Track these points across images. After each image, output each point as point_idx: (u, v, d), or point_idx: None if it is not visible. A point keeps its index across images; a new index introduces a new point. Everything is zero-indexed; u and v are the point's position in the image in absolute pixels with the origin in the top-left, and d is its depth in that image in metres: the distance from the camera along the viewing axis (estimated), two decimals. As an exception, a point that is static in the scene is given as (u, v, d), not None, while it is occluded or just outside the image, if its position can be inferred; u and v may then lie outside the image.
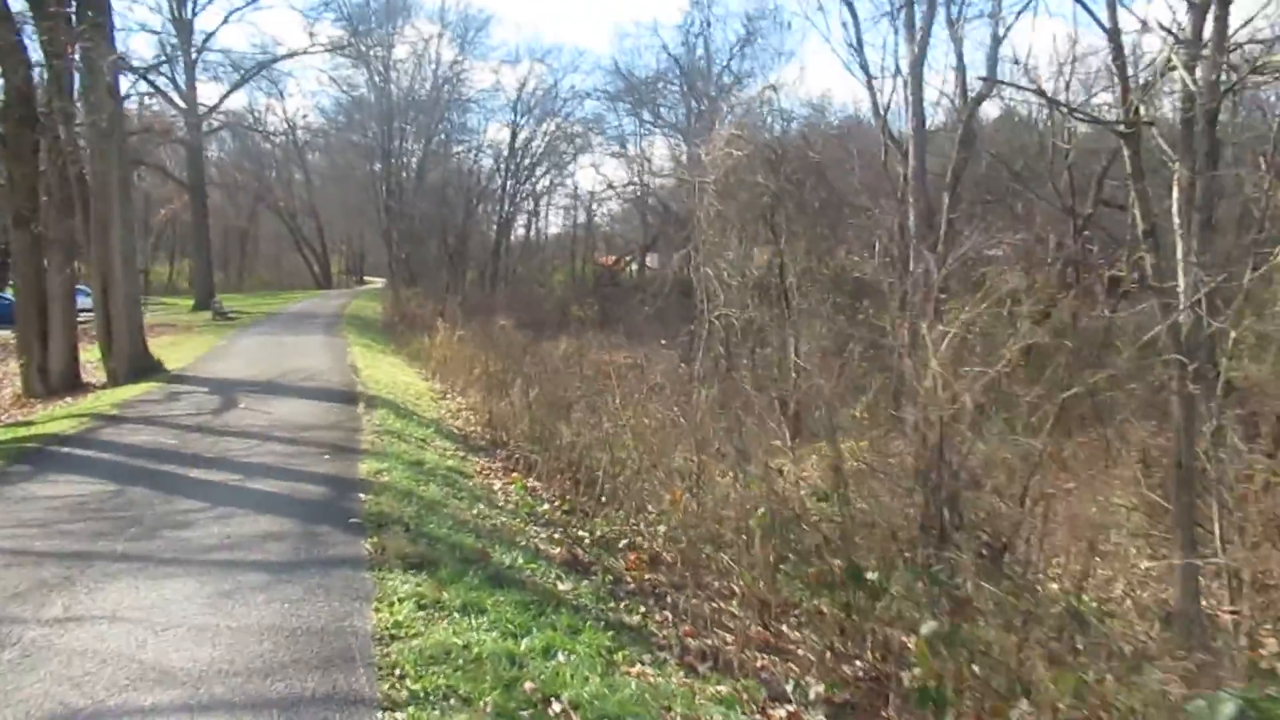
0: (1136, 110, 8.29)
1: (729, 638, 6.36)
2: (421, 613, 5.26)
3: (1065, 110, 14.15)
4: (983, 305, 9.91)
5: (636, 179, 57.95)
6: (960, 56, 20.53)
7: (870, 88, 24.75)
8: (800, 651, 6.60)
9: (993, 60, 21.98)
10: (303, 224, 75.55)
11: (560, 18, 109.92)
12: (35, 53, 18.39)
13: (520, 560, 6.93)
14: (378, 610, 5.26)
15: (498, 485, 10.67)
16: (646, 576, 7.52)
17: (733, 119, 21.38)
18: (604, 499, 9.55)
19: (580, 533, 8.51)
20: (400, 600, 5.40)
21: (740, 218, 17.76)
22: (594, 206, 69.41)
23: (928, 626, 4.34)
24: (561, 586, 6.62)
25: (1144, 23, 8.25)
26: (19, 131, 17.98)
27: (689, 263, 22.02)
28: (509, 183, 61.56)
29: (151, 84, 43.50)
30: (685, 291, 41.90)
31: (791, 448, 17.52)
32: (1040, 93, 12.67)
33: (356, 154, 64.23)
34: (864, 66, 24.95)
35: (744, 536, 8.27)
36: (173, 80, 44.77)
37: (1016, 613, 4.66)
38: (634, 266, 60.53)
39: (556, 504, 10.00)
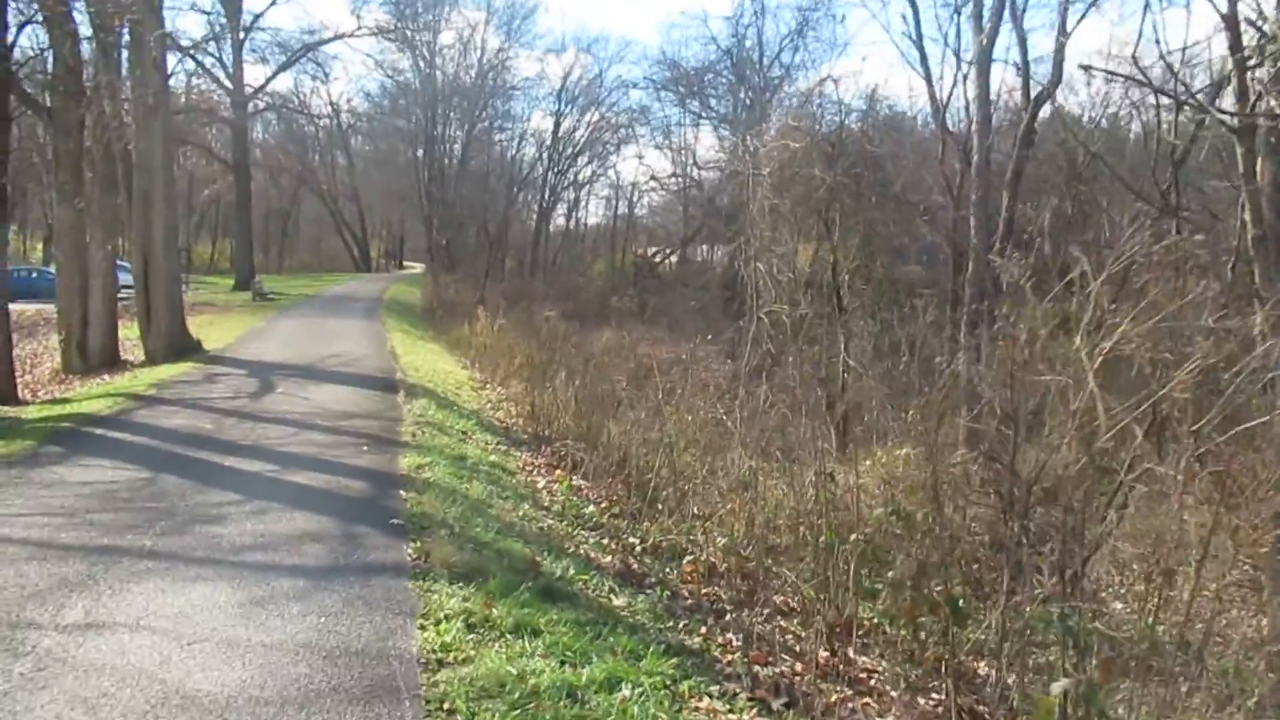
0: (1254, 104, 7.60)
1: (798, 665, 5.84)
2: (471, 634, 4.77)
3: (1181, 101, 13.22)
4: (1143, 316, 9.35)
5: (680, 171, 57.16)
6: (1024, 50, 19.43)
7: (929, 81, 24.11)
8: (873, 682, 6.08)
9: (1059, 56, 21.13)
10: (344, 208, 75.63)
11: (607, 7, 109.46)
12: (84, 27, 18.23)
13: (572, 571, 6.45)
14: (423, 629, 4.78)
15: (542, 483, 10.22)
16: (704, 591, 7.00)
17: (787, 110, 20.73)
18: (656, 503, 9.03)
19: (631, 539, 8.00)
20: (447, 618, 4.92)
21: (794, 212, 17.15)
22: (635, 198, 68.96)
23: (1060, 685, 3.77)
24: (617, 602, 6.13)
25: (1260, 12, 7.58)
26: (65, 105, 17.78)
27: (738, 256, 21.35)
28: (551, 172, 61.16)
29: (198, 63, 43.65)
30: (728, 286, 41.44)
31: (841, 453, 16.94)
32: (1147, 82, 11.88)
33: (399, 139, 64.15)
34: (923, 59, 24.30)
35: (807, 549, 7.76)
36: (219, 60, 44.89)
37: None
38: (673, 259, 59.92)
39: (604, 506, 9.51)
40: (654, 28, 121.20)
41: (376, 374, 16.33)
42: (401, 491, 7.82)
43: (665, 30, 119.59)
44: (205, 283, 45.41)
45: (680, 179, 57.10)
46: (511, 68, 61.48)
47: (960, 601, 5.51)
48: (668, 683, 4.77)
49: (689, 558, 7.59)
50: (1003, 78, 52.50)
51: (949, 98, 23.67)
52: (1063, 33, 20.69)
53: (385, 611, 4.98)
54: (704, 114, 51.06)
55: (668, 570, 7.37)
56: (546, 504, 9.10)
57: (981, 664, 6.25)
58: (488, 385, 17.89)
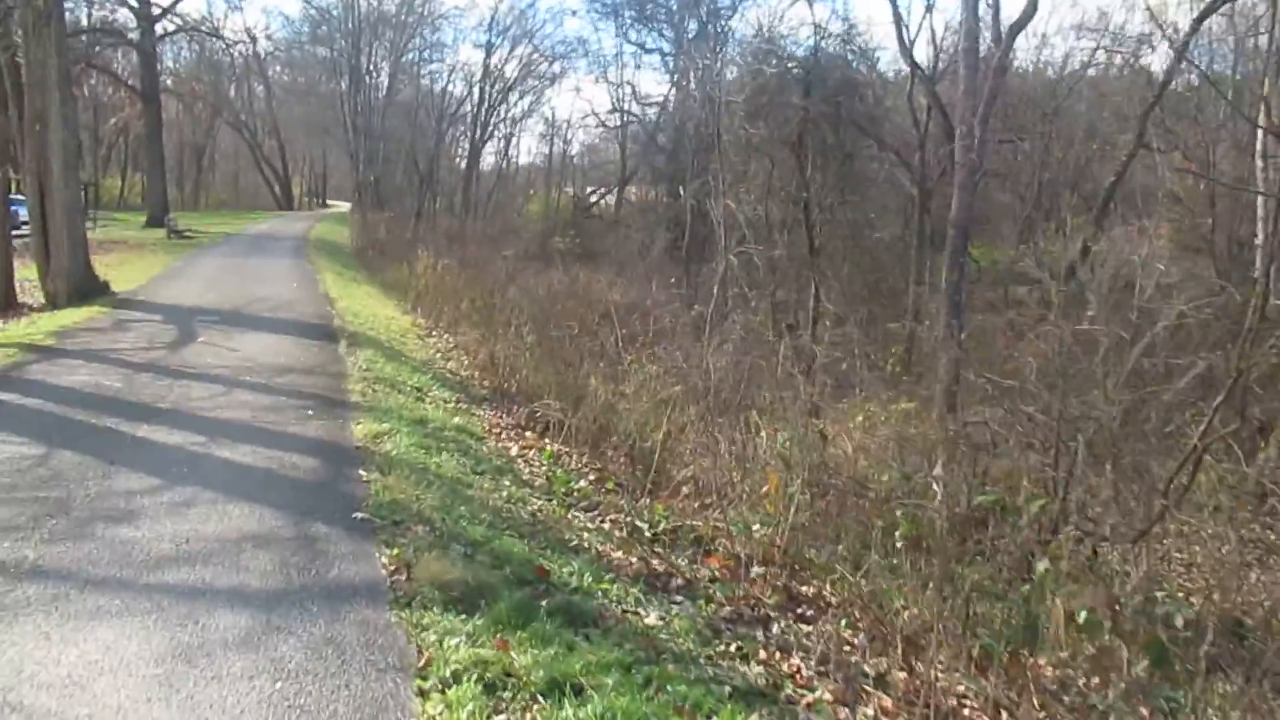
0: None
1: (884, 700, 4.63)
2: (492, 699, 3.41)
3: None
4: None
5: (619, 106, 55.06)
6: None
7: (895, 7, 22.75)
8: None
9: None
10: (263, 142, 71.97)
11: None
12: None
13: (588, 577, 5.12)
14: (425, 696, 3.40)
15: (514, 449, 8.86)
16: (740, 594, 5.75)
17: (760, 34, 19.21)
18: (658, 475, 7.73)
19: (638, 523, 6.70)
20: (455, 675, 3.53)
21: (768, 143, 15.78)
22: (570, 135, 66.66)
23: None
24: (650, 619, 4.83)
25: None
26: (-60, 11, 15.50)
27: (701, 193, 19.95)
28: (482, 108, 58.46)
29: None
30: (673, 226, 39.99)
31: (815, 404, 15.87)
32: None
33: (321, 69, 60.75)
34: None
35: (845, 531, 6.57)
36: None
37: None
38: (609, 199, 58.01)
39: (592, 477, 8.20)
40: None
41: (312, 320, 14.66)
42: (361, 471, 6.37)
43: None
44: (115, 219, 42.30)
45: (620, 114, 54.96)
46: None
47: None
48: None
49: (714, 547, 6.34)
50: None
51: (917, 32, 22.33)
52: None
53: (366, 667, 3.58)
54: (646, 45, 48.91)
55: (690, 563, 6.10)
56: (528, 478, 7.73)
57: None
58: (434, 332, 16.33)
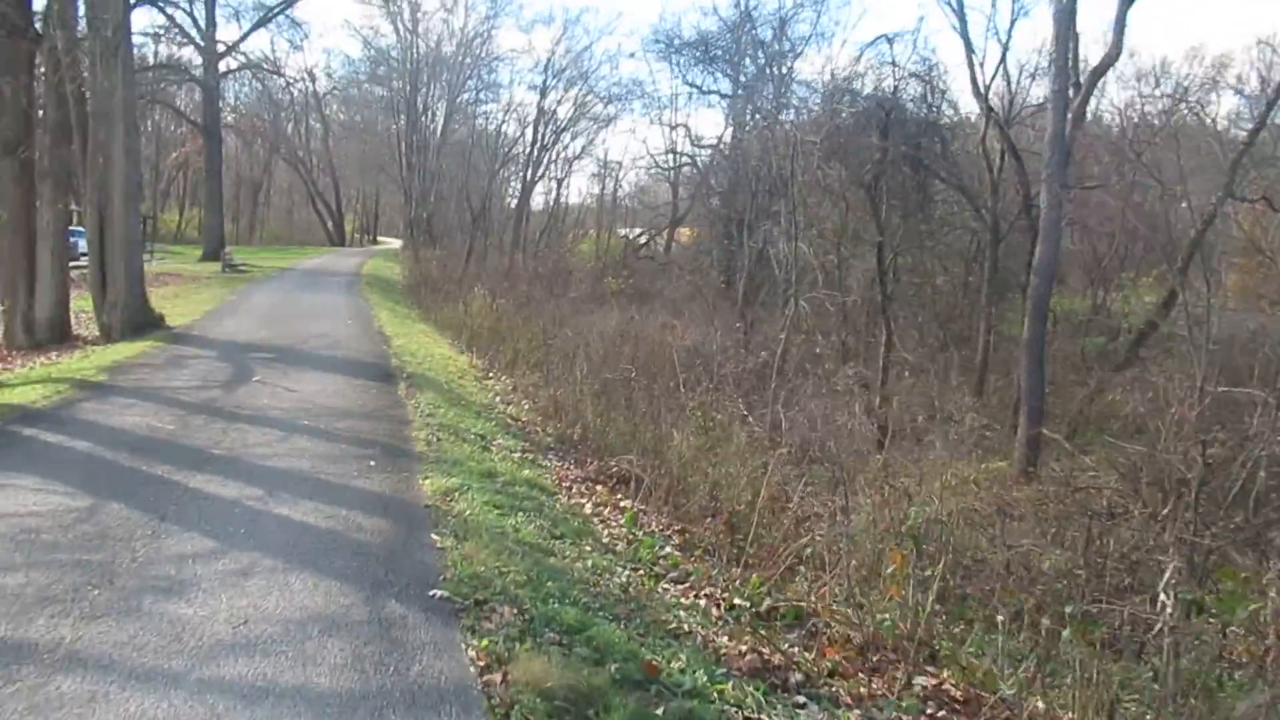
0: None
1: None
2: None
3: None
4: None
5: (673, 148, 54.80)
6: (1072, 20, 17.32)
7: (969, 50, 22.06)
8: None
9: (1120, 23, 19.16)
10: (317, 178, 72.92)
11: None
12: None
13: (700, 674, 4.40)
14: None
15: (588, 506, 8.21)
16: (867, 690, 5.00)
17: (838, 73, 18.54)
18: (753, 541, 7.00)
19: (739, 600, 5.98)
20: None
21: (843, 185, 15.13)
22: (622, 175, 66.63)
23: None
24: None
25: None
26: (11, 42, 15.37)
27: (769, 235, 19.30)
28: (535, 147, 58.56)
29: (167, 16, 40.86)
30: (726, 270, 39.38)
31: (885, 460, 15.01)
32: None
33: (378, 108, 61.50)
34: (963, 27, 22.23)
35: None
36: (190, 15, 42.03)
37: None
38: (659, 240, 57.58)
39: (677, 541, 7.50)
40: (646, 3, 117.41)
41: (368, 359, 14.18)
42: (434, 535, 5.73)
43: (659, 3, 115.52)
44: (172, 252, 42.77)
45: (673, 155, 54.71)
46: (496, 38, 59.06)
47: None
48: None
49: (827, 630, 5.60)
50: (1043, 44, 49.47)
51: (993, 75, 21.66)
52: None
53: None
54: (704, 87, 48.62)
55: (803, 649, 5.37)
56: (608, 539, 7.07)
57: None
58: (491, 374, 15.79)
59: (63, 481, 6.42)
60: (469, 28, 55.95)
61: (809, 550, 6.42)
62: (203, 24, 41.87)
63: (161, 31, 41.95)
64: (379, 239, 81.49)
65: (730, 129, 47.58)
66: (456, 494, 6.78)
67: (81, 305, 17.79)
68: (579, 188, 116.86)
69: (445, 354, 16.71)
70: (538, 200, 65.22)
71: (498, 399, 13.33)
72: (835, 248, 15.58)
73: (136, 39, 33.89)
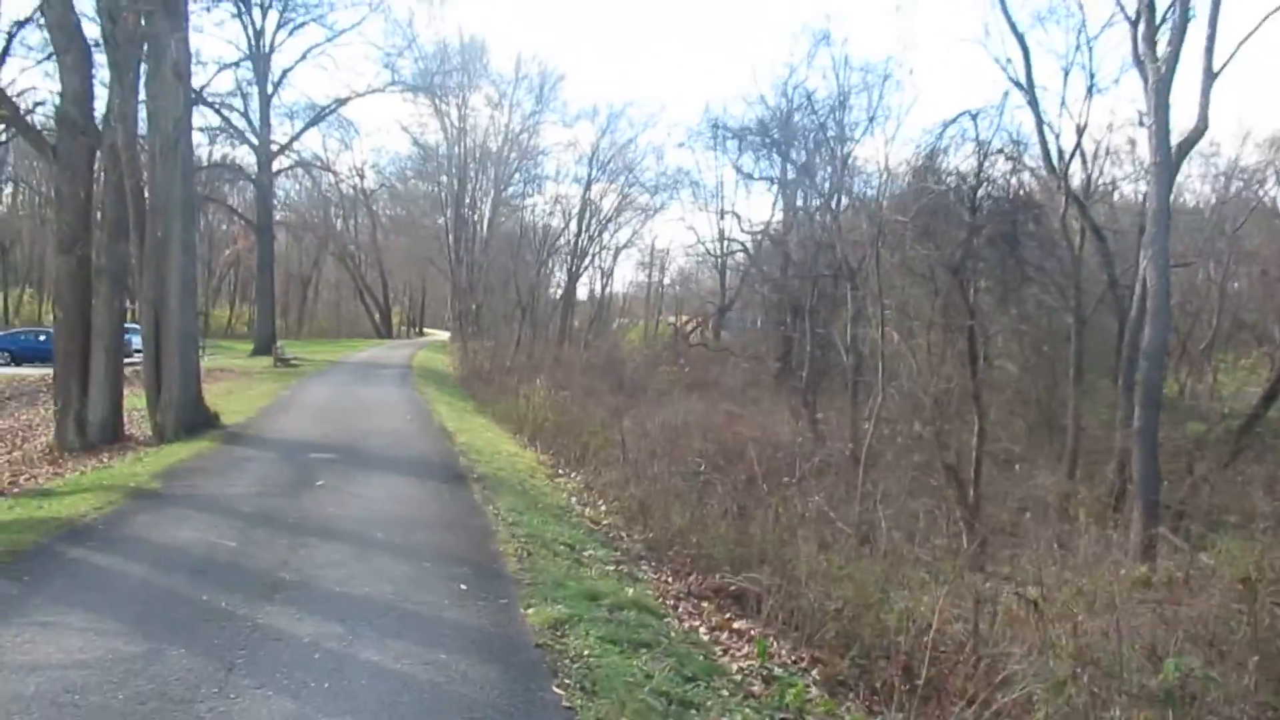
0: None
1: None
2: None
3: None
4: None
5: (722, 234, 54.47)
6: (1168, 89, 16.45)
7: (1041, 130, 21.26)
8: None
9: (1204, 97, 18.28)
10: (365, 272, 73.70)
11: (639, 77, 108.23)
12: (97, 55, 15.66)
13: None
14: None
15: (703, 630, 7.15)
16: None
17: (919, 151, 17.79)
18: (915, 679, 5.89)
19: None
20: None
21: (930, 268, 14.20)
22: (668, 263, 66.50)
23: None
24: None
25: None
26: (72, 140, 15.13)
27: (848, 320, 18.35)
28: (581, 238, 58.63)
29: (225, 119, 41.54)
30: (783, 356, 38.43)
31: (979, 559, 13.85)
32: None
33: (425, 203, 62.23)
34: (1034, 105, 21.50)
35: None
36: (245, 116, 42.75)
37: None
38: (707, 329, 56.92)
39: (815, 674, 6.40)
40: (689, 96, 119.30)
41: (434, 458, 13.33)
42: (556, 688, 4.72)
43: (702, 96, 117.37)
44: (222, 347, 42.77)
45: (720, 243, 54.34)
46: (540, 132, 59.67)
47: None
48: None
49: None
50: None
51: (1073, 152, 20.79)
52: (1209, 71, 17.93)
53: None
54: (755, 174, 48.37)
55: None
56: (739, 677, 5.99)
57: None
58: (560, 469, 14.86)
59: (114, 618, 5.52)
60: (514, 124, 56.59)
61: (1004, 697, 5.29)
62: (257, 124, 42.52)
63: (217, 132, 42.58)
64: (425, 331, 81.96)
65: (781, 213, 47.23)
66: (566, 627, 5.78)
67: (134, 403, 17.23)
68: (623, 276, 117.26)
69: (511, 450, 15.82)
70: (582, 290, 65.11)
71: (573, 499, 12.34)
72: (925, 332, 14.64)
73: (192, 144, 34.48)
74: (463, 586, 6.56)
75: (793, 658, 6.78)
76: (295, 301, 72.00)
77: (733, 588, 8.22)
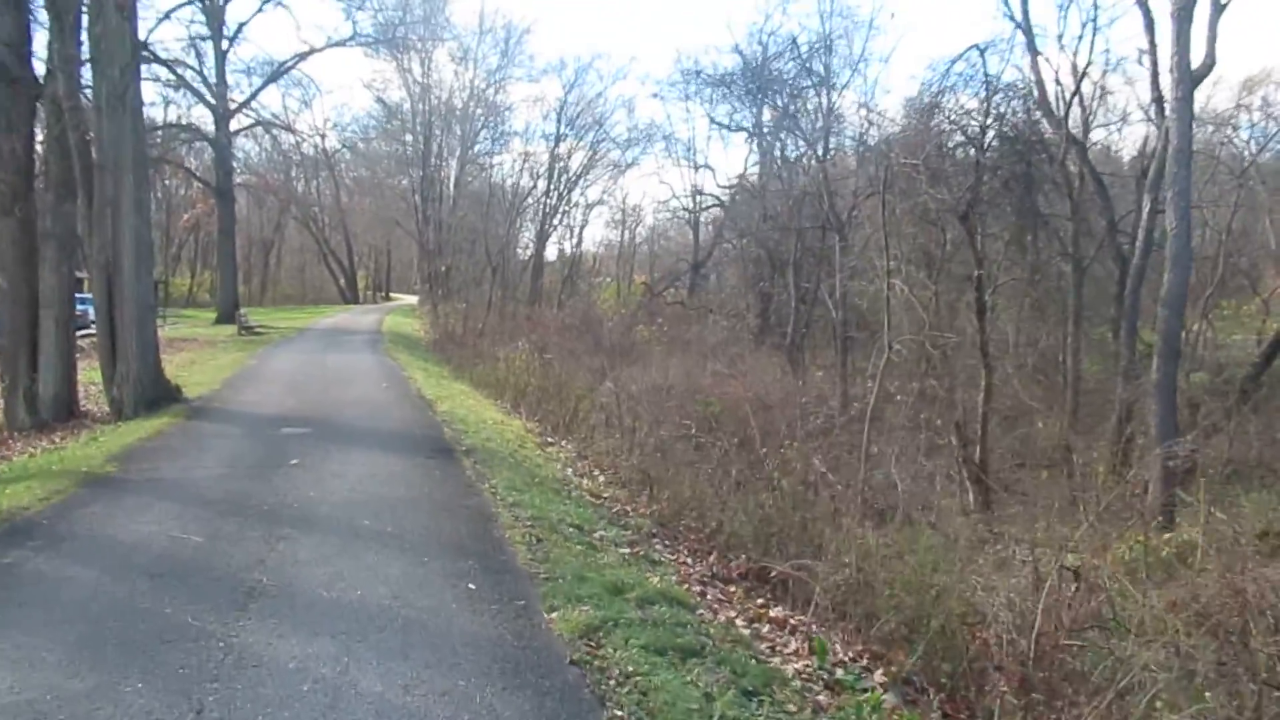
0: None
1: None
2: None
3: None
4: None
5: (697, 189, 53.30)
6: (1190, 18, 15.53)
7: (1036, 70, 20.35)
8: None
9: (1212, 31, 17.46)
10: (329, 236, 71.88)
11: (607, 30, 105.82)
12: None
13: None
14: None
15: (740, 621, 6.34)
16: None
17: (925, 89, 16.73)
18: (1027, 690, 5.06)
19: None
20: None
21: (939, 216, 13.32)
22: (639, 221, 65.27)
23: None
24: None
25: None
26: (8, 90, 13.82)
27: (820, 275, 17.45)
28: (552, 195, 57.20)
29: (178, 76, 39.70)
30: (763, 313, 37.53)
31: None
32: None
33: (390, 163, 60.47)
34: (1030, 45, 20.56)
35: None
36: (200, 74, 40.85)
37: None
38: (682, 286, 55.91)
39: (880, 675, 5.59)
40: (653, 49, 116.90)
41: (417, 430, 12.36)
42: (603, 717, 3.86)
43: (677, 42, 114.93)
44: (184, 316, 41.26)
45: (694, 198, 53.20)
46: (507, 89, 58.05)
47: None
48: None
49: None
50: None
51: (1073, 94, 19.95)
52: (1217, 3, 17.08)
53: None
54: (732, 125, 47.20)
55: None
56: (798, 683, 5.16)
57: None
58: (549, 438, 13.98)
59: (56, 641, 4.57)
60: (479, 80, 54.90)
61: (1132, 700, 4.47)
62: (213, 82, 40.64)
63: (172, 88, 40.75)
64: (392, 295, 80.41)
65: (757, 166, 46.18)
66: (601, 634, 4.90)
67: (90, 377, 16.09)
68: (592, 236, 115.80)
69: (495, 418, 14.87)
70: (551, 250, 63.86)
71: (568, 470, 11.47)
72: (934, 281, 13.79)
73: (144, 101, 32.73)
74: (471, 585, 5.65)
75: (849, 654, 5.96)
76: (258, 267, 70.07)
77: (752, 567, 7.41)
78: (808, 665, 5.57)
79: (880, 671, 5.65)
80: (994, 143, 14.45)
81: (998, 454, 16.88)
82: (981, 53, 15.13)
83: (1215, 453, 15.27)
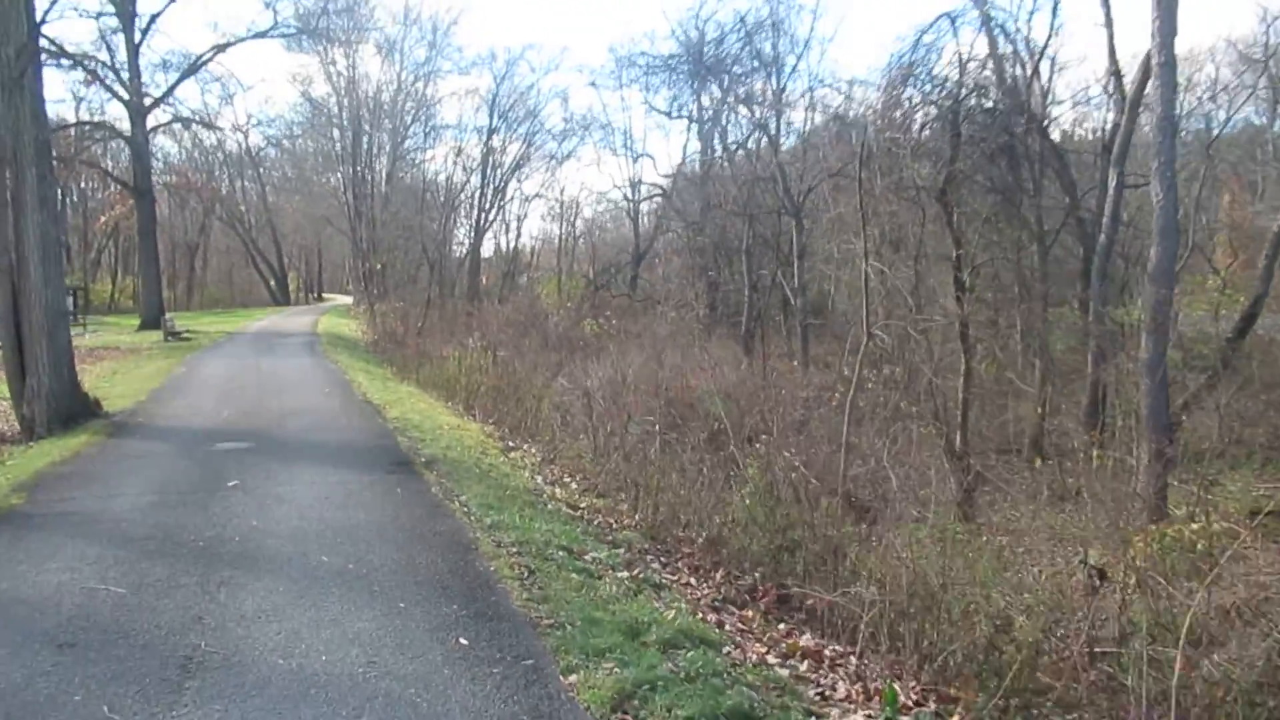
0: None
1: None
2: None
3: None
4: None
5: (638, 179, 52.37)
6: None
7: (993, 46, 19.76)
8: None
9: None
10: (257, 237, 69.41)
11: (538, 20, 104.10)
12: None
13: None
14: None
15: (771, 657, 5.43)
16: None
17: (897, 61, 15.99)
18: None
19: None
20: None
21: (918, 195, 12.56)
22: (577, 212, 64.06)
23: None
24: None
25: None
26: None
27: (777, 263, 16.65)
28: (486, 191, 55.74)
29: (90, 71, 37.54)
30: (712, 303, 36.78)
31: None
32: None
33: (319, 161, 58.48)
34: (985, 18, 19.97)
35: None
36: (113, 68, 38.63)
37: None
38: (622, 276, 54.93)
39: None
40: (586, 41, 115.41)
41: (369, 440, 11.22)
42: None
43: (610, 34, 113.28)
44: (106, 323, 39.02)
45: (636, 188, 52.26)
46: (436, 82, 56.43)
47: None
48: None
49: None
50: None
51: (1030, 74, 19.42)
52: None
53: None
54: (672, 112, 46.32)
55: None
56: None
57: None
58: (510, 442, 12.98)
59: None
60: (407, 74, 53.26)
61: None
62: (126, 76, 38.44)
63: (83, 84, 38.54)
64: (325, 295, 78.30)
65: (698, 154, 45.41)
66: (635, 703, 3.92)
67: (-3, 394, 14.61)
68: (530, 229, 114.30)
69: (450, 422, 13.79)
70: (488, 246, 62.46)
71: (538, 478, 10.50)
72: (912, 264, 13.04)
73: (54, 101, 30.91)
74: (463, 640, 4.62)
75: (911, 696, 5.06)
76: (183, 271, 67.20)
77: (761, 586, 6.51)
78: (870, 716, 4.67)
79: (957, 718, 4.77)
80: (974, 115, 13.73)
81: (978, 439, 16.30)
82: (953, 21, 14.42)
83: (1203, 432, 14.82)
